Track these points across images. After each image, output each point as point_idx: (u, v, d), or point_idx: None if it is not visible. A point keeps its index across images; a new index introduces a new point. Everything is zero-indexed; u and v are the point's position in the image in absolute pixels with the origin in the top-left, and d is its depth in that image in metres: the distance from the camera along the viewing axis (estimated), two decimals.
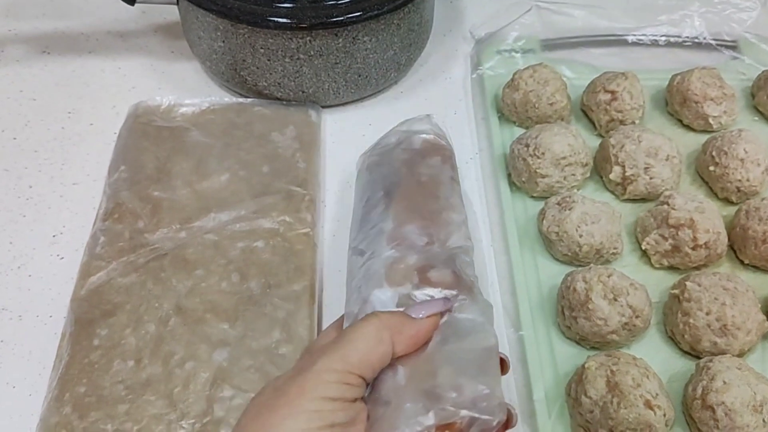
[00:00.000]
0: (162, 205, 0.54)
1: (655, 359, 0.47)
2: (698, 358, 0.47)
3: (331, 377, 0.31)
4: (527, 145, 0.56)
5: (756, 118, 0.64)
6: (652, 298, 0.50)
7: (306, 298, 0.50)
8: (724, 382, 0.42)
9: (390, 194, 0.50)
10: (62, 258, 0.54)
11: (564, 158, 0.55)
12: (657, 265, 0.52)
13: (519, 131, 0.62)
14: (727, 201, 0.57)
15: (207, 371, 0.45)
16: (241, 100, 0.64)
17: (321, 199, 0.58)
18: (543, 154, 0.55)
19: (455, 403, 0.35)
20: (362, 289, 0.46)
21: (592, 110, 0.62)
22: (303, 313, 0.49)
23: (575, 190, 0.55)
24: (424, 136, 0.54)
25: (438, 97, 0.67)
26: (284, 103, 0.63)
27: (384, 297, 0.44)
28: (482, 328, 0.41)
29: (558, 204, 0.52)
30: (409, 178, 0.51)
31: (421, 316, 0.37)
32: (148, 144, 0.58)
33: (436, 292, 0.44)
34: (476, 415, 0.34)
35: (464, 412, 0.35)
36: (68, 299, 0.50)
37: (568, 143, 0.55)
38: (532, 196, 0.57)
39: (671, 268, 0.52)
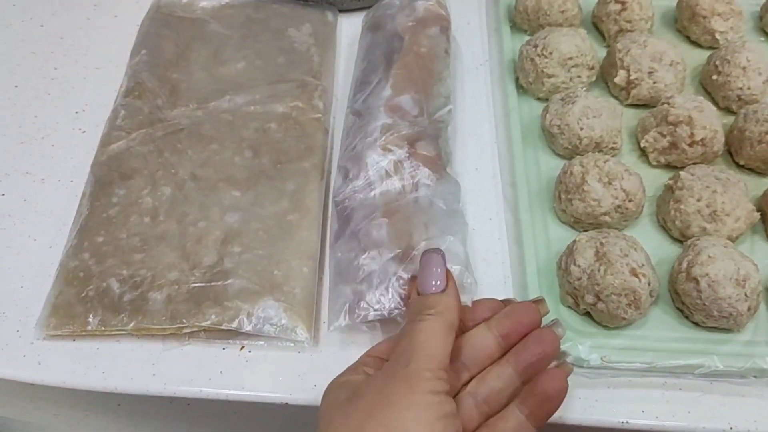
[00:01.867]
0: (180, 86, 0.56)
1: (646, 245, 0.49)
2: None
3: (429, 375, 0.33)
4: (535, 46, 0.57)
5: (762, 39, 0.65)
6: (648, 193, 0.52)
7: (315, 173, 0.52)
8: (709, 257, 0.44)
9: (390, 61, 0.54)
10: (84, 132, 0.56)
11: (570, 59, 0.56)
12: (654, 163, 0.54)
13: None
14: (728, 111, 0.58)
15: (219, 230, 0.48)
16: None
17: (333, 93, 0.60)
18: (551, 53, 0.56)
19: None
20: (357, 148, 0.49)
21: (602, 20, 0.63)
22: (312, 187, 0.51)
23: (581, 90, 0.56)
24: (427, 3, 0.57)
25: (453, 7, 0.68)
26: (303, 3, 0.65)
27: (378, 159, 0.47)
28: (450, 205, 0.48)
29: (561, 99, 0.54)
30: (410, 47, 0.55)
31: (439, 286, 0.38)
32: (168, 32, 0.60)
33: (423, 170, 0.47)
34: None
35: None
36: (89, 167, 0.52)
37: (576, 44, 0.57)
38: (538, 98, 0.59)
39: (668, 166, 0.54)
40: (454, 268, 0.43)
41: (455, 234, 0.46)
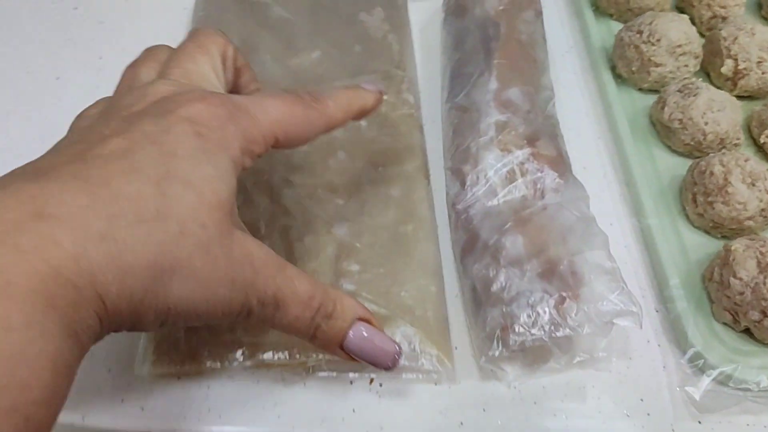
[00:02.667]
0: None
1: None
2: None
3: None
4: (640, 32, 0.53)
5: None
6: None
7: (420, 177, 0.46)
8: None
9: (488, 50, 0.49)
10: None
11: (680, 46, 0.52)
12: None
13: (616, 25, 0.59)
14: None
15: (329, 246, 0.42)
16: None
17: (416, 83, 0.54)
18: (658, 40, 0.52)
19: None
20: (471, 148, 0.44)
21: (693, 5, 0.59)
22: (420, 193, 0.45)
23: (700, 81, 0.52)
24: None
25: None
26: None
27: (498, 161, 0.43)
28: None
29: (679, 91, 0.50)
30: (509, 34, 0.50)
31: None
32: (229, 17, 0.53)
33: (549, 173, 0.43)
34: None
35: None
36: None
37: (684, 30, 0.52)
38: (640, 89, 0.54)
39: None
40: (615, 301, 0.38)
41: (598, 246, 0.41)
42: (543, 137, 0.46)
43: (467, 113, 0.47)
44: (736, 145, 0.50)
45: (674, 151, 0.51)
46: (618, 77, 0.55)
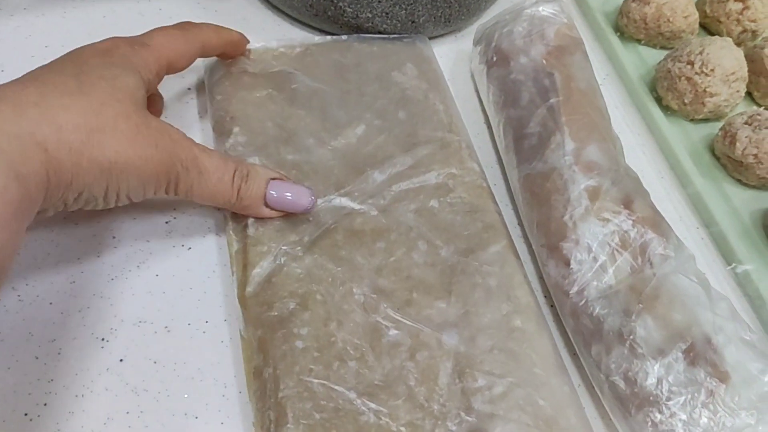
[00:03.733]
0: (303, 169, 0.44)
1: None
2: None
3: None
4: (690, 63, 0.51)
5: None
6: None
7: (510, 258, 0.43)
8: None
9: (551, 106, 0.45)
10: (189, 248, 0.43)
11: (733, 73, 0.50)
12: None
13: (645, 50, 0.57)
14: None
15: (445, 359, 0.37)
16: (338, 37, 0.53)
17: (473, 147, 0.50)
18: (712, 70, 0.50)
19: None
20: (567, 221, 0.41)
21: (720, 21, 0.57)
22: (518, 278, 0.42)
23: (761, 109, 0.50)
24: (558, 26, 0.49)
25: None
26: (389, 38, 0.54)
27: (599, 233, 0.40)
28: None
29: (747, 123, 0.48)
30: (567, 83, 0.47)
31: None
32: (253, 97, 0.47)
33: (653, 237, 0.40)
34: None
35: None
36: (221, 297, 0.40)
37: (735, 57, 0.51)
38: (692, 120, 0.53)
39: None
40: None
41: (730, 316, 0.39)
42: (636, 197, 0.43)
43: (549, 180, 0.44)
44: None
45: (747, 185, 0.49)
46: (665, 109, 0.53)
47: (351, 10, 0.52)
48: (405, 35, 0.54)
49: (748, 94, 0.55)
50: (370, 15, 0.52)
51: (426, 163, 0.46)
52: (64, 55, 0.35)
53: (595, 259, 0.40)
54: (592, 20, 0.59)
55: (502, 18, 0.51)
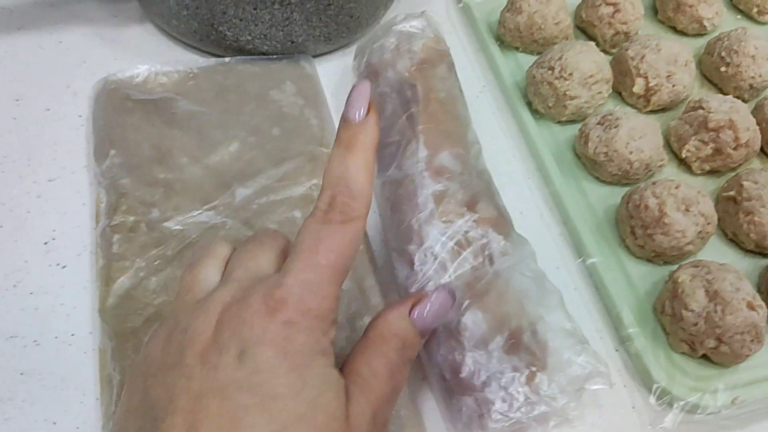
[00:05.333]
0: (173, 187, 0.47)
1: (723, 260, 0.47)
2: (763, 255, 0.47)
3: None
4: (551, 68, 0.53)
5: (739, 17, 0.65)
6: None
7: (365, 264, 0.45)
8: None
9: (410, 115, 0.48)
10: (64, 267, 0.46)
11: (591, 76, 0.53)
12: (698, 171, 0.52)
13: (523, 57, 0.60)
14: (740, 99, 0.57)
15: None
16: (221, 60, 0.56)
17: None
18: (570, 74, 0.52)
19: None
20: (413, 226, 0.43)
21: (594, 25, 0.60)
22: (369, 281, 0.45)
23: (620, 109, 0.53)
24: (424, 41, 0.52)
25: None
26: (272, 58, 0.57)
27: (442, 235, 0.43)
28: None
29: (600, 124, 0.51)
30: (427, 94, 0.49)
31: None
32: (133, 121, 0.50)
33: (493, 236, 0.43)
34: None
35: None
36: (88, 312, 0.43)
37: (594, 60, 0.53)
38: (559, 122, 0.55)
39: (711, 172, 0.52)
40: (582, 364, 0.38)
41: (555, 307, 0.41)
42: (482, 199, 0.46)
43: (402, 187, 0.46)
44: (660, 166, 0.51)
45: (603, 182, 0.52)
46: (535, 112, 0.56)
47: (231, 33, 0.55)
48: (287, 55, 0.57)
49: (619, 94, 0.57)
50: (249, 37, 0.55)
51: (293, 176, 0.49)
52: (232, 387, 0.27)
53: (436, 259, 0.43)
54: (477, 31, 0.62)
55: (375, 34, 0.54)
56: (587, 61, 0.53)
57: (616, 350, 0.45)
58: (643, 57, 0.54)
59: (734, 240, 0.49)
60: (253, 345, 0.27)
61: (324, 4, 0.54)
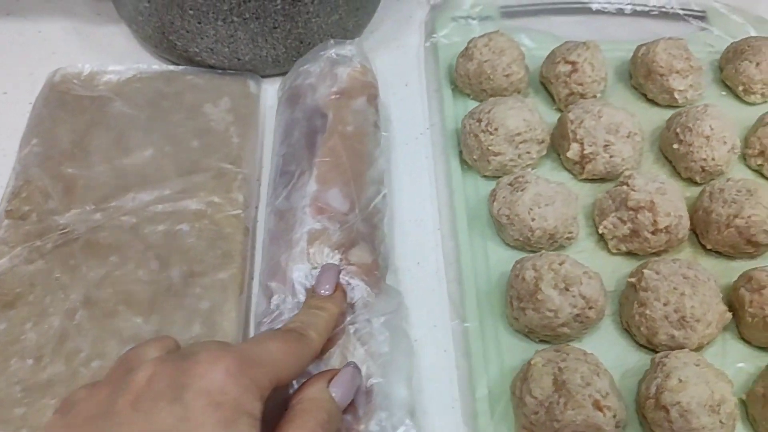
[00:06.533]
0: (77, 183, 0.49)
1: (609, 353, 0.44)
2: (655, 351, 0.44)
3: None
4: (479, 120, 0.52)
5: (723, 93, 0.61)
6: (608, 287, 0.47)
7: (233, 287, 0.45)
8: (680, 380, 0.39)
9: (312, 145, 0.48)
10: None
11: (518, 134, 0.51)
12: (614, 251, 0.49)
13: (473, 105, 0.57)
14: (691, 181, 0.53)
15: None
16: (172, 68, 0.58)
17: (256, 178, 0.53)
18: (496, 129, 0.50)
19: None
20: (282, 262, 0.43)
21: (551, 83, 0.57)
22: (229, 305, 0.44)
23: (530, 169, 0.50)
24: (349, 70, 0.51)
25: (389, 68, 0.62)
26: (220, 72, 0.58)
27: (306, 276, 0.41)
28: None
29: (510, 184, 0.48)
30: (334, 126, 0.49)
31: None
32: (64, 115, 0.53)
33: (360, 285, 0.42)
34: None
35: None
36: None
37: (524, 118, 0.51)
38: (485, 176, 0.53)
39: (629, 253, 0.49)
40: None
41: (398, 370, 0.40)
42: (359, 242, 0.45)
43: (283, 220, 0.46)
44: (568, 238, 0.48)
45: (508, 245, 0.49)
46: (465, 162, 0.54)
47: (180, 44, 0.56)
48: (236, 71, 0.58)
49: (558, 155, 0.54)
50: (197, 50, 0.56)
51: (193, 190, 0.49)
52: (165, 411, 0.28)
53: (294, 301, 0.42)
54: (437, 72, 0.60)
55: (305, 58, 0.54)
56: (515, 119, 0.50)
57: (465, 424, 0.42)
58: (582, 121, 0.51)
59: (628, 331, 0.45)
60: (188, 391, 0.28)
61: (269, 26, 0.55)
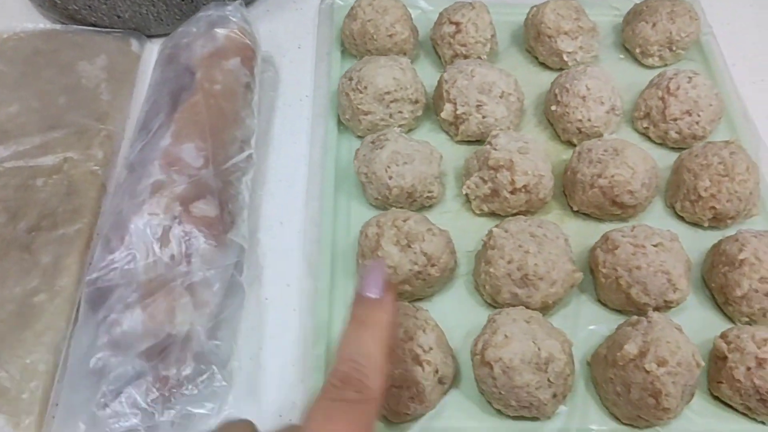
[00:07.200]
0: None
1: (457, 312, 0.43)
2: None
3: None
4: (350, 79, 0.50)
5: (622, 56, 0.59)
6: (470, 248, 0.46)
7: (79, 243, 0.44)
8: (506, 336, 0.38)
9: (175, 102, 0.47)
10: None
11: (388, 93, 0.49)
12: (477, 212, 0.48)
13: None
14: (570, 144, 0.52)
15: None
16: (57, 26, 0.57)
17: (127, 137, 0.52)
18: (365, 88, 0.49)
19: None
20: (124, 212, 0.42)
21: (438, 44, 0.56)
22: (72, 259, 0.44)
23: (397, 129, 0.49)
24: (227, 31, 0.50)
25: (283, 29, 0.61)
26: (104, 31, 0.57)
27: (143, 228, 0.40)
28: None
29: (372, 143, 0.47)
30: (202, 84, 0.48)
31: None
32: None
33: (199, 237, 0.41)
34: None
35: None
36: None
37: (394, 77, 0.50)
38: (358, 136, 0.52)
39: (494, 215, 0.48)
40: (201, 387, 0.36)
41: (225, 323, 0.39)
42: (206, 196, 0.44)
43: (134, 173, 0.45)
44: (429, 198, 0.47)
45: (371, 205, 0.48)
46: (342, 124, 0.53)
47: (60, 1, 0.55)
48: (120, 30, 0.57)
49: (438, 116, 0.53)
50: (76, 7, 0.55)
51: (53, 146, 0.49)
52: None
53: (129, 250, 0.41)
54: (330, 34, 0.59)
55: (189, 20, 0.53)
56: (385, 77, 0.49)
57: (302, 382, 0.41)
58: (455, 81, 0.50)
59: (478, 290, 0.44)
60: None
61: None
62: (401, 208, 0.47)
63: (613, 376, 0.38)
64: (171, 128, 0.46)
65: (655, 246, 0.42)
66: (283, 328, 0.44)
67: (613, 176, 0.45)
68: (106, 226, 0.44)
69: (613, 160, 0.45)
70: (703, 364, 0.38)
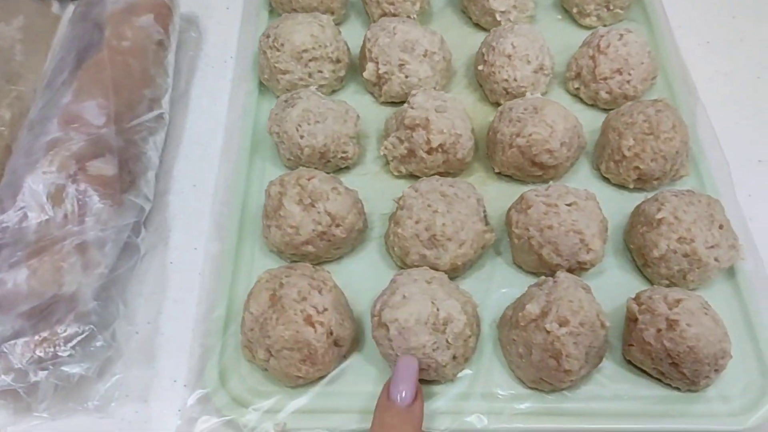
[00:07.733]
0: None
1: (367, 275, 0.42)
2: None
3: None
4: (268, 36, 0.49)
5: (560, 17, 0.57)
6: (384, 211, 0.44)
7: None
8: (404, 297, 0.36)
9: (81, 59, 0.46)
10: None
11: (306, 51, 0.48)
12: (396, 173, 0.46)
13: None
14: (498, 105, 0.50)
15: None
16: None
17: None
18: (282, 45, 0.48)
19: None
20: (17, 171, 0.40)
21: (366, 2, 0.54)
22: None
23: (312, 88, 0.47)
24: None
25: None
26: None
27: (35, 186, 0.39)
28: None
29: (285, 101, 0.46)
30: (109, 40, 0.46)
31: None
32: None
33: (94, 197, 0.39)
34: None
35: None
36: None
37: (312, 33, 0.48)
38: (278, 96, 0.50)
39: (412, 176, 0.46)
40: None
41: (113, 284, 0.38)
42: (105, 155, 0.42)
43: (32, 131, 0.44)
44: (344, 158, 0.46)
45: (285, 166, 0.47)
46: (262, 85, 0.51)
47: None
48: None
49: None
50: None
51: None
52: None
53: (20, 209, 0.40)
54: None
55: None
56: (302, 34, 0.48)
57: (201, 346, 0.40)
58: (377, 40, 0.48)
59: (389, 253, 0.43)
60: None
61: None
62: (315, 168, 0.45)
63: (516, 338, 0.37)
64: (73, 85, 0.45)
65: (568, 205, 0.40)
66: (186, 292, 0.42)
67: (531, 135, 0.43)
68: (2, 187, 0.42)
69: (532, 118, 0.44)
70: (608, 324, 0.36)
